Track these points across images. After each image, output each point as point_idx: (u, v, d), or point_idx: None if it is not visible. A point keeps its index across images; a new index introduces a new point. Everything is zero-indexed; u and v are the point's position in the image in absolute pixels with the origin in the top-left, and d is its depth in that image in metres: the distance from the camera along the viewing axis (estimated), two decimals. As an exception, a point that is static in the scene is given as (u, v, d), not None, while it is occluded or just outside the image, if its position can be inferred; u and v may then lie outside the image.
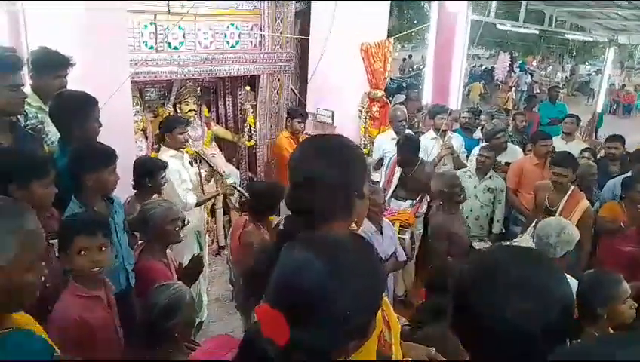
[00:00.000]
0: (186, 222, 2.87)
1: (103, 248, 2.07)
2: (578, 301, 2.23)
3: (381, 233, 3.39)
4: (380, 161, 4.70)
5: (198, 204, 3.89)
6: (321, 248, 0.96)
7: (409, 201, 4.35)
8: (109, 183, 2.51)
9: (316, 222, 1.22)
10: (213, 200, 4.69)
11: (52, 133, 2.69)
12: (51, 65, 2.71)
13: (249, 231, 3.15)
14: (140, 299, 2.49)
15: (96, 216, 2.26)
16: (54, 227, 2.29)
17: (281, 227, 1.34)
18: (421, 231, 4.40)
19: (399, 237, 3.86)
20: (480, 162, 4.44)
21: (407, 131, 4.81)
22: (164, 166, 3.32)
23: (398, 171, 4.39)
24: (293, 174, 1.28)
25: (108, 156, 2.49)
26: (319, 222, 1.22)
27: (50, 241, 2.16)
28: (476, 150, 4.67)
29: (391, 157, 4.58)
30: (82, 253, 2.01)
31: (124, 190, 2.94)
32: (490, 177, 4.47)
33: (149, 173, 3.21)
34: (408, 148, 4.25)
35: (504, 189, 4.52)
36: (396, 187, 4.40)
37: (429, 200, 4.35)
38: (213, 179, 4.45)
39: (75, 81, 2.85)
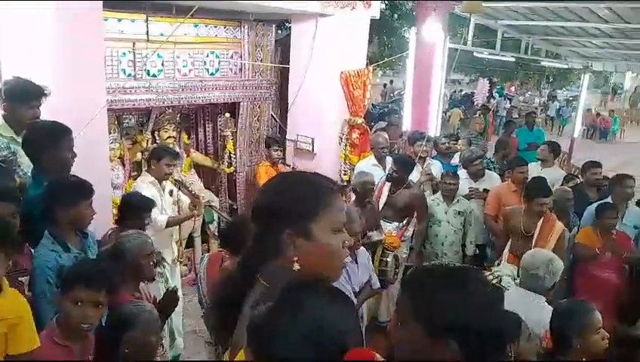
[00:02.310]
0: (159, 257, 2.81)
1: (100, 306, 1.98)
2: (552, 330, 2.23)
3: (356, 262, 3.35)
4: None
5: (169, 224, 3.84)
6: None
7: (395, 223, 4.33)
8: (84, 218, 2.46)
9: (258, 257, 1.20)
10: (191, 229, 4.63)
11: (25, 165, 2.63)
12: (24, 95, 2.67)
13: (229, 266, 3.05)
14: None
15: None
16: (24, 264, 2.23)
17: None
18: (407, 253, 4.38)
19: (382, 260, 3.84)
20: (445, 190, 4.52)
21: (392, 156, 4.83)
22: (151, 206, 3.28)
23: (385, 192, 4.38)
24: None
25: (84, 190, 2.44)
26: (258, 258, 1.20)
27: (20, 278, 2.10)
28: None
29: (380, 178, 4.57)
30: (78, 303, 1.92)
31: (98, 221, 2.88)
32: (457, 201, 4.53)
33: (136, 210, 3.17)
34: (404, 166, 4.28)
35: (473, 211, 4.58)
36: (384, 207, 4.37)
37: (415, 223, 4.37)
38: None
39: (50, 111, 2.81)
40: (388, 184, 4.34)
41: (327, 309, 0.98)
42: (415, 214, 4.35)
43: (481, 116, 9.66)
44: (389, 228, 4.26)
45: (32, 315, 1.96)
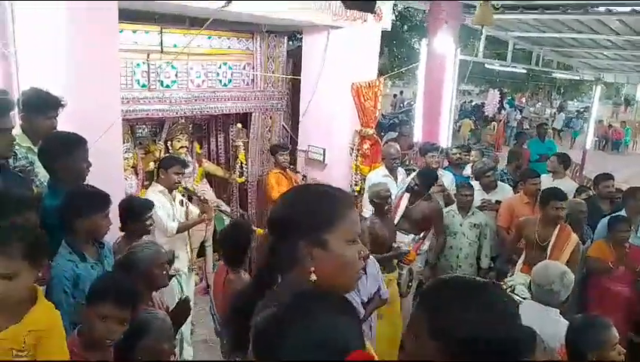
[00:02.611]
0: (172, 270, 2.82)
1: (125, 322, 1.96)
2: (567, 344, 2.21)
3: (365, 272, 3.34)
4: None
5: (180, 230, 3.86)
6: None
7: (412, 236, 4.31)
8: (101, 228, 2.48)
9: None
10: (203, 238, 4.65)
11: (42, 175, 2.67)
12: (41, 106, 2.71)
13: (231, 279, 2.99)
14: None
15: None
16: (41, 274, 2.24)
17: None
18: (422, 267, 4.36)
19: (398, 273, 3.87)
20: (461, 201, 4.49)
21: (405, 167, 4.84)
22: (149, 206, 3.26)
23: (403, 204, 4.35)
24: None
25: (102, 201, 2.46)
26: (274, 270, 1.22)
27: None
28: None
29: (399, 191, 4.53)
30: (104, 319, 1.91)
31: (113, 230, 2.91)
32: (472, 213, 4.50)
33: (134, 214, 3.14)
34: (427, 178, 4.27)
35: (488, 223, 4.55)
36: (400, 219, 4.34)
37: (432, 236, 4.36)
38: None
39: (66, 121, 2.86)
40: (406, 195, 4.32)
41: (330, 316, 0.99)
42: (433, 227, 4.33)
43: (493, 127, 9.62)
44: (406, 240, 4.24)
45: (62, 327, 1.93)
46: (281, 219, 1.23)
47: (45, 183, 2.63)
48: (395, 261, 3.92)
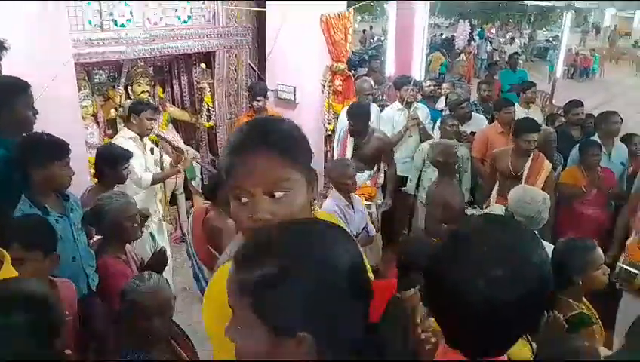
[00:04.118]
0: (147, 220, 2.71)
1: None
2: (553, 268, 2.21)
3: (352, 207, 3.33)
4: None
5: (154, 182, 3.75)
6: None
7: (367, 173, 4.25)
8: (62, 178, 2.33)
9: None
10: (174, 187, 4.51)
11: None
12: (-20, 48, 2.46)
13: (213, 216, 3.02)
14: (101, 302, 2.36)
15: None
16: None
17: None
18: (381, 200, 4.32)
19: (368, 212, 3.81)
20: (445, 131, 4.38)
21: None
22: (128, 156, 3.15)
23: (350, 143, 4.24)
24: None
25: (59, 148, 2.30)
26: None
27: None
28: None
29: (342, 129, 4.43)
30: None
31: (76, 183, 2.75)
32: None
33: (112, 162, 3.05)
34: (358, 115, 4.06)
35: (469, 158, 4.50)
36: (351, 158, 4.27)
37: (385, 168, 4.29)
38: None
39: (15, 66, 2.61)
40: (351, 138, 4.20)
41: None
42: (383, 158, 4.25)
43: (464, 60, 9.49)
44: (362, 178, 4.17)
45: None
46: None
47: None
48: (364, 199, 3.85)
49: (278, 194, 1.01)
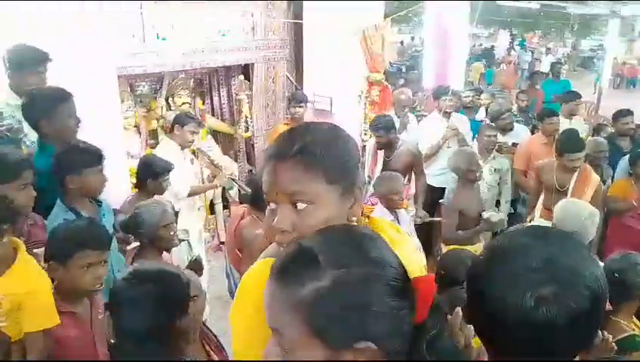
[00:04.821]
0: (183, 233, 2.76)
1: (104, 262, 1.92)
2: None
3: (398, 221, 3.27)
4: None
5: (190, 195, 3.81)
6: None
7: None
8: (95, 184, 2.37)
9: None
10: (212, 196, 4.57)
11: (32, 133, 2.54)
12: (28, 61, 2.56)
13: (245, 223, 3.01)
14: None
15: (97, 224, 2.06)
16: (38, 235, 2.16)
17: None
18: (413, 210, 4.22)
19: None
20: (484, 142, 4.27)
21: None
22: (169, 168, 3.21)
23: (380, 156, 4.18)
24: None
25: (93, 156, 2.34)
26: None
27: (34, 251, 2.03)
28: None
29: (372, 142, 4.37)
30: (86, 268, 1.85)
31: (118, 190, 2.81)
32: (494, 158, 4.32)
33: (154, 173, 3.12)
34: (384, 128, 3.99)
35: (509, 169, 4.38)
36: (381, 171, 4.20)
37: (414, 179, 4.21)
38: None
39: (57, 77, 2.70)
40: (380, 151, 4.14)
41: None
42: (414, 169, 4.17)
43: (505, 69, 9.31)
44: None
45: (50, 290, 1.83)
46: None
47: (35, 142, 2.50)
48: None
49: (300, 205, 0.97)
